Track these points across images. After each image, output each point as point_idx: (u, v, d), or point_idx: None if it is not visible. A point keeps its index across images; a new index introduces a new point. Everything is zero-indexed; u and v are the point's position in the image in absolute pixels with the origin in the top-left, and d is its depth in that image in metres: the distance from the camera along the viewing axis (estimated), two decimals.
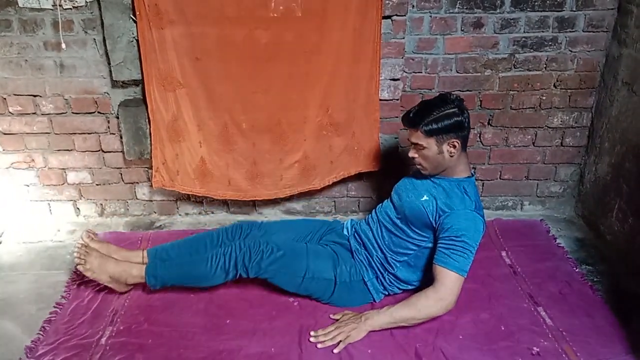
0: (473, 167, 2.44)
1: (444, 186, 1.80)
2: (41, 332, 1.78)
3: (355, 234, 1.98)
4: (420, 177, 1.89)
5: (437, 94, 2.05)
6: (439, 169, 1.81)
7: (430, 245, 1.82)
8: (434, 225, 1.77)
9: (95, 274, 1.86)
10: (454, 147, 1.74)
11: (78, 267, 1.85)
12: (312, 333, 1.74)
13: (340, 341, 1.70)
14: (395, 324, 1.73)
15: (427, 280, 1.79)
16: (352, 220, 2.08)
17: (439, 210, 1.76)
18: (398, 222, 1.88)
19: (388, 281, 1.89)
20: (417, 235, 1.83)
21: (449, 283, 1.67)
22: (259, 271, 1.83)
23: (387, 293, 1.91)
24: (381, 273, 1.88)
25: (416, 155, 1.81)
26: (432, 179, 1.85)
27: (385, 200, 2.01)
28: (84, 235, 1.98)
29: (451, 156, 1.76)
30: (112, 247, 2.01)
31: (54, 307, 1.90)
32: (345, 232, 2.02)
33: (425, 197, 1.80)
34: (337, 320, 1.79)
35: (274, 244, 1.86)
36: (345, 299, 1.87)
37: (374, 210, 2.03)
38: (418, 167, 1.85)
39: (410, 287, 1.90)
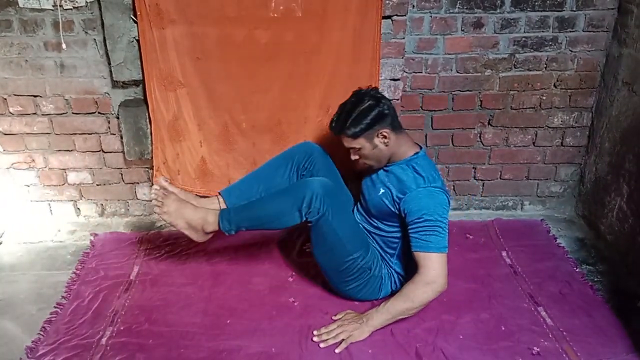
0: (473, 167, 2.44)
1: (395, 172, 1.80)
2: (42, 332, 1.78)
3: None
4: (376, 171, 1.89)
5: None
6: (383, 161, 1.81)
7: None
8: (398, 214, 1.77)
9: (171, 217, 1.81)
10: (385, 137, 1.74)
11: (155, 209, 1.81)
12: (315, 332, 1.75)
13: (343, 340, 1.70)
14: (395, 319, 1.73)
15: None
16: None
17: (395, 199, 1.76)
18: (371, 221, 1.90)
19: (395, 278, 1.89)
20: (391, 227, 1.84)
21: (431, 265, 1.66)
22: (325, 218, 1.71)
23: (390, 292, 1.91)
24: (389, 270, 1.89)
25: (357, 157, 1.82)
26: (384, 169, 1.85)
27: (357, 203, 2.02)
28: (161, 179, 1.92)
29: (387, 145, 1.76)
30: (190, 195, 1.98)
31: (55, 307, 1.90)
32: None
33: (382, 191, 1.81)
34: (339, 319, 1.80)
35: (346, 201, 1.86)
36: (358, 290, 1.85)
37: (353, 213, 2.02)
38: (366, 166, 1.86)
39: None
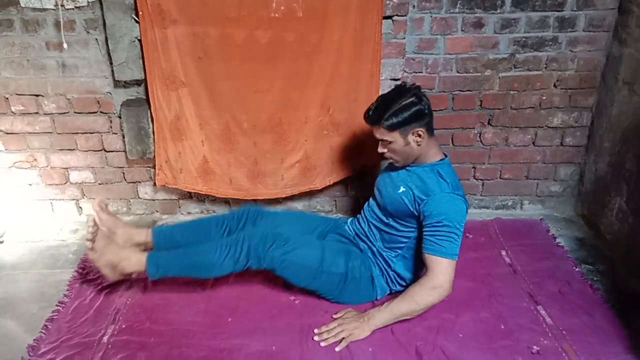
0: (473, 167, 2.45)
1: (419, 173, 1.80)
2: (43, 331, 1.79)
3: (356, 233, 1.99)
4: (395, 168, 1.89)
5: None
6: (410, 159, 1.81)
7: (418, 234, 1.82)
8: (416, 214, 1.78)
9: (96, 255, 1.78)
10: (419, 136, 1.74)
11: (86, 244, 1.78)
12: (315, 331, 1.75)
13: (343, 338, 1.71)
14: (397, 319, 1.74)
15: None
16: (351, 218, 2.09)
17: (417, 199, 1.76)
18: (384, 218, 1.89)
19: (392, 278, 1.90)
20: (404, 227, 1.84)
21: (440, 270, 1.67)
22: (272, 262, 1.79)
23: (389, 291, 1.92)
24: (385, 270, 1.89)
25: (385, 150, 1.81)
26: (406, 169, 1.85)
27: (370, 198, 2.02)
28: (95, 203, 1.94)
29: (419, 145, 1.76)
30: (120, 222, 2.00)
31: (56, 305, 1.91)
32: (348, 230, 2.03)
33: (402, 189, 1.80)
34: (340, 317, 1.80)
35: (287, 234, 1.84)
36: (352, 296, 1.87)
37: (362, 209, 2.03)
38: (390, 160, 1.86)
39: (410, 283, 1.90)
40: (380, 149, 1.82)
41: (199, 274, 1.84)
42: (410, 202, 1.78)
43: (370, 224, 1.95)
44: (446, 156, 1.85)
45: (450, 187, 1.74)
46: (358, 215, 2.05)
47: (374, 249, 1.91)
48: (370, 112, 1.77)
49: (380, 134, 1.77)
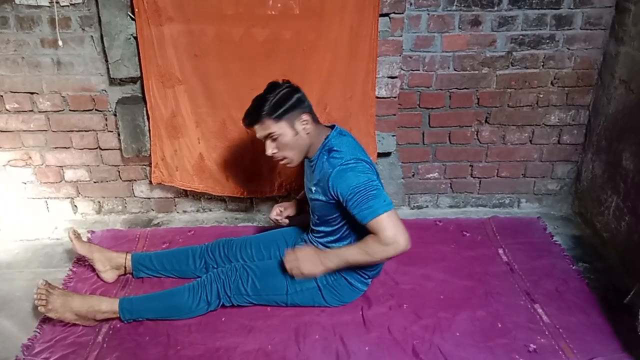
0: (470, 165, 2.45)
1: (318, 163, 1.75)
2: (38, 330, 1.78)
3: (311, 240, 1.95)
4: (306, 172, 1.86)
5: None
6: (304, 152, 1.75)
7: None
8: (333, 201, 1.73)
9: (58, 313, 1.75)
10: (306, 122, 1.70)
11: (40, 309, 1.75)
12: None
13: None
14: (350, 265, 1.74)
15: None
16: None
17: (326, 192, 1.72)
18: (317, 220, 1.86)
19: (357, 268, 1.83)
20: (338, 217, 1.79)
21: (384, 227, 1.61)
22: (241, 299, 1.84)
23: (366, 278, 1.88)
24: (348, 271, 1.84)
25: (276, 150, 1.72)
26: (309, 166, 1.80)
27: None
28: (70, 232, 2.00)
29: (307, 133, 1.71)
30: (94, 247, 2.02)
31: None
32: (307, 237, 1.98)
33: (314, 190, 1.77)
34: (299, 250, 1.77)
35: (249, 267, 1.86)
36: (336, 299, 1.86)
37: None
38: (284, 162, 1.76)
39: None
40: (269, 150, 1.72)
41: (175, 316, 1.83)
42: (326, 197, 1.73)
43: (314, 230, 1.91)
44: (333, 127, 1.79)
45: (340, 157, 1.68)
46: None
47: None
48: (253, 110, 1.69)
49: (266, 128, 1.67)
